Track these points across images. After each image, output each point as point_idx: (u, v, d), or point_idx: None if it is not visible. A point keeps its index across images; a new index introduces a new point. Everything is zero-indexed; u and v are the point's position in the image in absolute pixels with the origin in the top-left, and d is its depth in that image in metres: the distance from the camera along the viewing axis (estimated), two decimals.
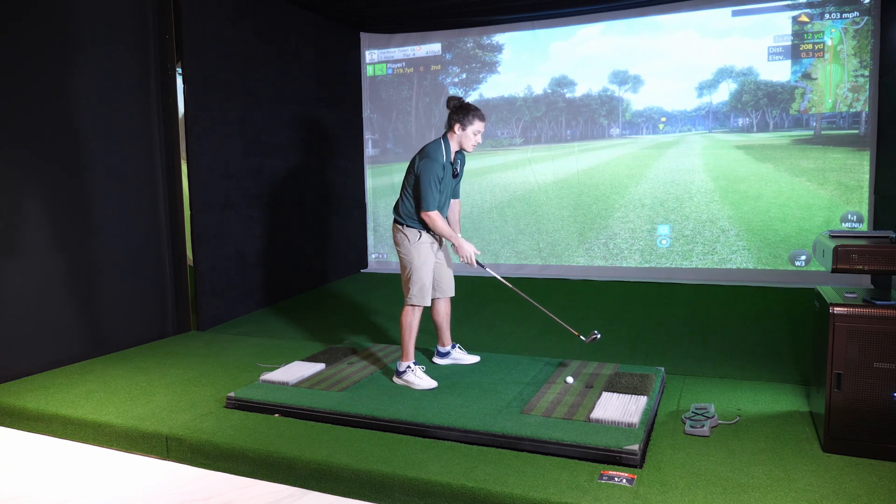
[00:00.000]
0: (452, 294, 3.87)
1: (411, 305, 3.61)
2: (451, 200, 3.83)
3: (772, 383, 3.61)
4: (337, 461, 2.74)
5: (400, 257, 3.68)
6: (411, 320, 3.61)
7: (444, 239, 3.79)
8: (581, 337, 3.79)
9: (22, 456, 3.18)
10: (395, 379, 3.65)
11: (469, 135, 3.52)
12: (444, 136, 3.59)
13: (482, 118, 3.54)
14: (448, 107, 3.56)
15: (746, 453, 2.73)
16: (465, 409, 3.16)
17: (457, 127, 3.51)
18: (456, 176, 3.71)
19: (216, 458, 2.96)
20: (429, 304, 3.64)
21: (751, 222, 6.03)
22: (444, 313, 3.88)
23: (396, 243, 3.69)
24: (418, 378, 3.55)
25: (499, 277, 3.91)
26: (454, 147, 3.59)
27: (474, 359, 4.00)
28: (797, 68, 5.78)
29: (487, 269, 3.82)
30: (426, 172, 3.45)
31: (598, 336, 3.73)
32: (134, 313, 4.77)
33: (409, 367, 3.59)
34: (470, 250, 3.58)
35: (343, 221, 7.14)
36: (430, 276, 3.65)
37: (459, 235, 3.73)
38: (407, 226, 3.63)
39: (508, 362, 3.96)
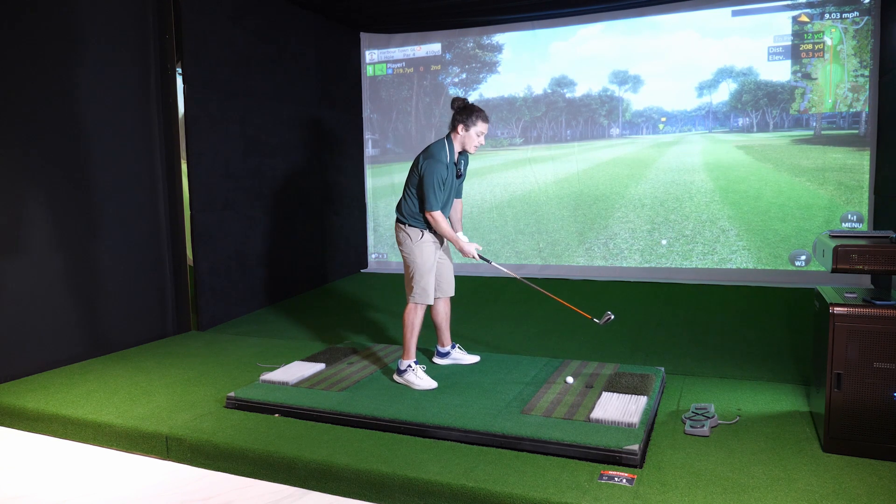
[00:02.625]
0: (452, 294, 3.88)
1: (415, 304, 3.62)
2: (454, 200, 3.83)
3: (772, 383, 3.61)
4: (337, 461, 2.74)
5: (403, 256, 3.68)
6: (414, 318, 3.62)
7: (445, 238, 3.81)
8: (595, 320, 3.75)
9: (22, 456, 3.18)
10: (395, 377, 3.65)
11: (472, 136, 3.54)
12: (448, 137, 3.59)
13: (485, 119, 3.55)
14: (452, 107, 3.57)
15: (746, 453, 2.73)
16: (465, 409, 3.16)
17: (460, 128, 3.53)
18: (459, 176, 3.72)
19: (216, 458, 2.97)
20: (432, 302, 3.65)
21: (751, 222, 6.02)
22: (443, 313, 3.89)
23: (399, 242, 3.69)
24: (418, 378, 3.55)
25: (506, 271, 3.90)
26: (457, 148, 3.60)
27: (474, 359, 4.00)
28: (797, 68, 5.78)
29: (494, 263, 3.83)
30: (429, 173, 3.46)
31: (612, 317, 3.68)
32: (134, 313, 4.77)
33: (409, 366, 3.59)
34: (471, 248, 3.65)
35: (343, 221, 7.14)
36: (433, 274, 3.65)
37: (461, 234, 3.75)
38: (409, 225, 3.63)
39: (508, 362, 3.96)
